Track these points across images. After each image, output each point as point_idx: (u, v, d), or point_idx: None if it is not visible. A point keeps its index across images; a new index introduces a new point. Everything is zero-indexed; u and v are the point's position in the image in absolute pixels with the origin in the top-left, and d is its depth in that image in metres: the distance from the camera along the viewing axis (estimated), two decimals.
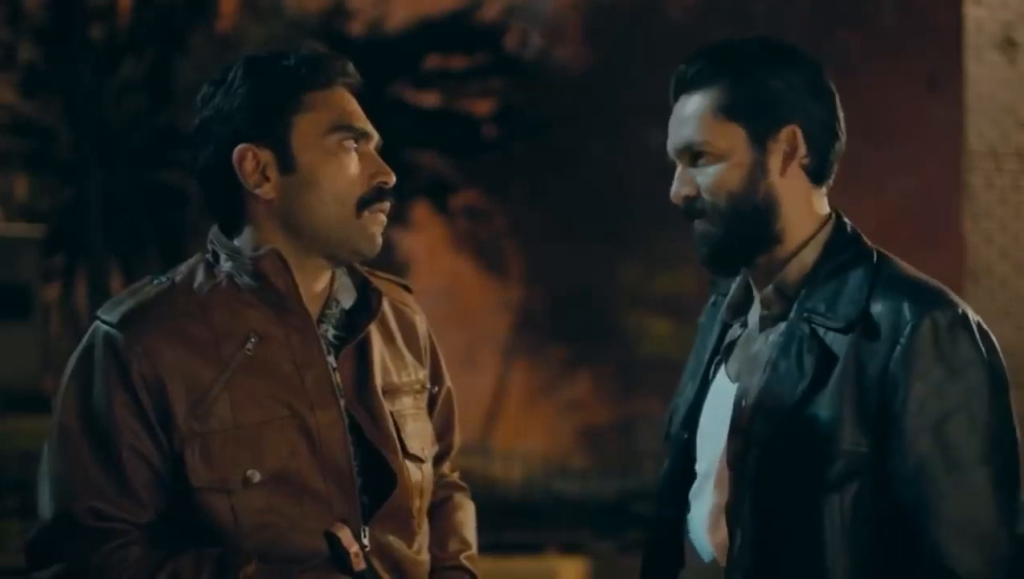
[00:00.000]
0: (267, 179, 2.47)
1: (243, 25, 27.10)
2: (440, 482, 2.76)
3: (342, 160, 2.48)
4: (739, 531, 2.43)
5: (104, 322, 2.46)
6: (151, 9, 25.73)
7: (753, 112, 2.48)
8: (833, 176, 2.56)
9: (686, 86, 2.52)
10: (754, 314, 2.55)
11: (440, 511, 2.74)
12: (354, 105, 2.53)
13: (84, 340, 2.49)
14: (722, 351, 2.59)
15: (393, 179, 2.51)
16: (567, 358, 30.25)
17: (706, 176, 2.49)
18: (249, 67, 2.50)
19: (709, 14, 29.30)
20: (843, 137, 2.54)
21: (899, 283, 2.44)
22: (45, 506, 2.45)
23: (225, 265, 2.50)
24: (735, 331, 2.59)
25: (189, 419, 2.42)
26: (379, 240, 2.52)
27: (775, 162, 2.49)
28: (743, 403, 2.47)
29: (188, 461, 2.42)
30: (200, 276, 2.51)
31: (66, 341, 24.70)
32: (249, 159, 2.47)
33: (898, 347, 2.38)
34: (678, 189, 2.52)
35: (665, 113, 2.56)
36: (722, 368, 2.57)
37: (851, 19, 25.87)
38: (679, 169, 2.52)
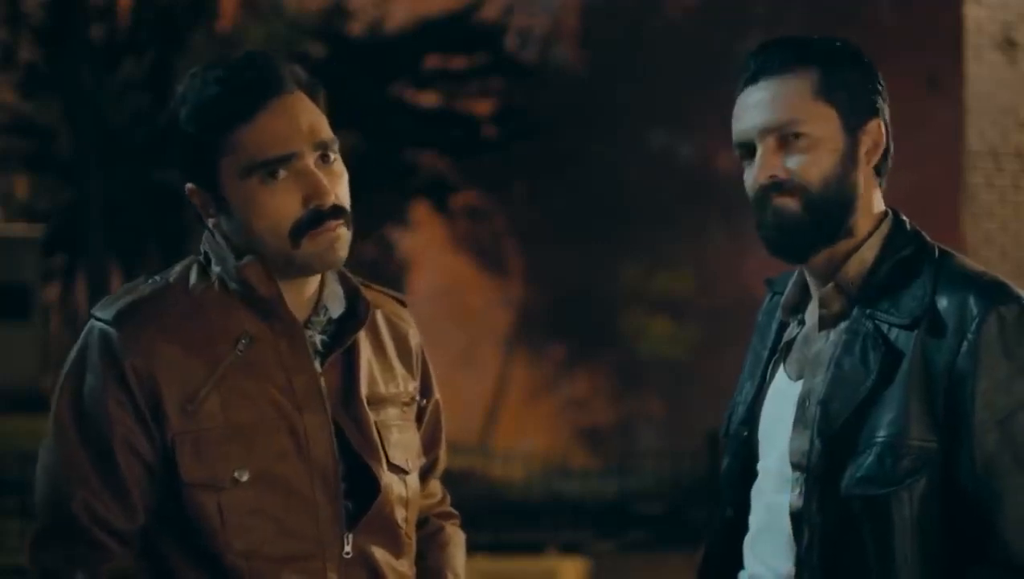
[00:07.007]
0: (212, 215, 2.53)
1: (243, 25, 27.11)
2: (433, 510, 2.77)
3: (260, 200, 2.47)
4: (806, 529, 2.43)
5: (99, 320, 2.49)
6: (151, 9, 25.75)
7: (847, 98, 2.47)
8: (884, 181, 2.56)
9: (769, 71, 2.48)
10: (812, 313, 2.54)
11: (432, 543, 2.74)
12: (280, 123, 2.49)
13: (80, 338, 2.51)
14: (780, 350, 2.57)
15: (329, 200, 2.46)
16: (567, 358, 30.25)
17: (801, 160, 2.46)
18: (189, 100, 2.54)
19: (709, 14, 29.29)
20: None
21: (963, 278, 2.44)
22: (42, 504, 2.47)
23: (216, 268, 2.53)
24: (792, 330, 2.57)
25: (180, 415, 2.44)
26: (336, 254, 2.48)
27: (862, 153, 2.49)
28: (807, 402, 2.46)
29: (179, 456, 2.43)
30: (194, 277, 2.54)
31: (66, 341, 24.70)
32: (196, 196, 2.54)
33: (965, 342, 2.38)
34: (766, 170, 2.46)
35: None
36: (780, 367, 2.56)
37: (851, 19, 25.87)
38: (762, 151, 2.47)
